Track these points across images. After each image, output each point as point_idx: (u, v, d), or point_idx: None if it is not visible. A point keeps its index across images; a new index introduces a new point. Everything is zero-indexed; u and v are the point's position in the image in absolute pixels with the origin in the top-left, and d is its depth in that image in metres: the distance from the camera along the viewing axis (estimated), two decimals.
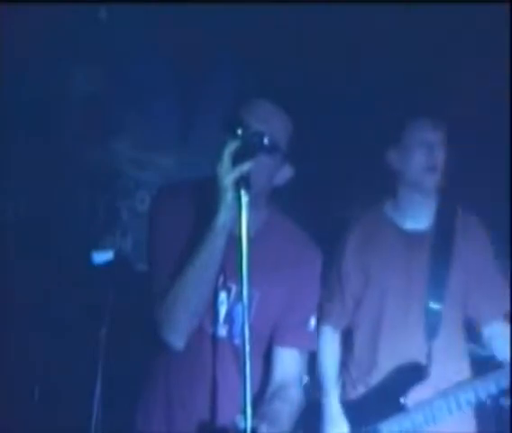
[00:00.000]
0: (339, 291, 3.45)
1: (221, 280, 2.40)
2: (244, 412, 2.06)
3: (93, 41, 5.22)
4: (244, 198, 2.20)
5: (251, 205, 2.23)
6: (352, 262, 3.45)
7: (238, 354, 2.18)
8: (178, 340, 2.36)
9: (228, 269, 2.37)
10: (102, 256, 4.54)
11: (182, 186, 2.56)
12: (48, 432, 4.35)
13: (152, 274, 2.46)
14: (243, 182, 2.23)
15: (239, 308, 2.29)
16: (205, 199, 2.46)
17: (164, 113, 5.21)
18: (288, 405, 2.45)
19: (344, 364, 3.50)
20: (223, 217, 2.28)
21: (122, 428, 3.82)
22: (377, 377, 3.36)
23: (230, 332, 2.43)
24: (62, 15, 4.90)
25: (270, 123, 2.37)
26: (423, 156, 3.36)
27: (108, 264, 4.13)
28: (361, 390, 3.41)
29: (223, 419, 2.36)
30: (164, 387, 2.49)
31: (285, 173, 2.44)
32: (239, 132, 2.33)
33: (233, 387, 2.34)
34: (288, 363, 2.51)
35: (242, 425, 2.08)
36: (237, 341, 2.40)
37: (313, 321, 2.54)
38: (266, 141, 2.33)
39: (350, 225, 3.54)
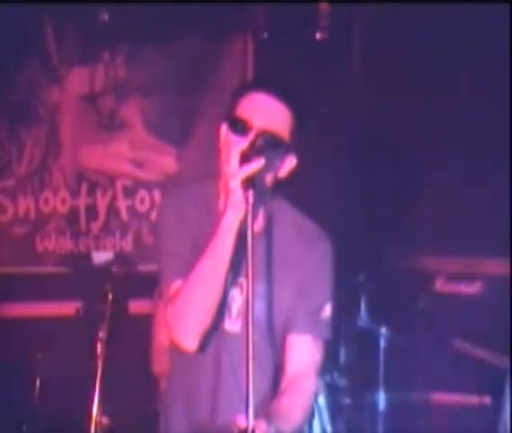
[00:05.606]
0: None
1: (232, 276, 2.40)
2: (246, 411, 2.06)
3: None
4: (251, 198, 2.23)
5: (258, 201, 2.24)
6: None
7: (254, 350, 2.15)
8: (190, 340, 2.36)
9: (239, 265, 2.37)
10: (102, 256, 4.55)
11: (188, 186, 2.56)
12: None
13: (162, 276, 2.46)
14: (251, 182, 2.25)
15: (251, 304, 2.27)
16: (212, 200, 2.48)
17: (165, 112, 5.21)
18: (301, 397, 2.43)
19: None
20: (231, 217, 2.30)
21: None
22: None
23: (244, 328, 2.41)
24: None
25: (272, 118, 2.36)
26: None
27: (108, 264, 4.13)
28: None
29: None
30: (182, 386, 2.48)
31: (288, 164, 2.44)
32: (243, 131, 2.34)
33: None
34: (301, 352, 2.47)
35: (242, 423, 2.08)
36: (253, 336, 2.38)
37: (328, 309, 2.49)
38: (270, 139, 2.34)
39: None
